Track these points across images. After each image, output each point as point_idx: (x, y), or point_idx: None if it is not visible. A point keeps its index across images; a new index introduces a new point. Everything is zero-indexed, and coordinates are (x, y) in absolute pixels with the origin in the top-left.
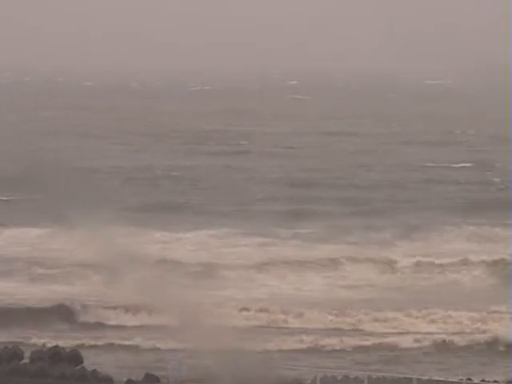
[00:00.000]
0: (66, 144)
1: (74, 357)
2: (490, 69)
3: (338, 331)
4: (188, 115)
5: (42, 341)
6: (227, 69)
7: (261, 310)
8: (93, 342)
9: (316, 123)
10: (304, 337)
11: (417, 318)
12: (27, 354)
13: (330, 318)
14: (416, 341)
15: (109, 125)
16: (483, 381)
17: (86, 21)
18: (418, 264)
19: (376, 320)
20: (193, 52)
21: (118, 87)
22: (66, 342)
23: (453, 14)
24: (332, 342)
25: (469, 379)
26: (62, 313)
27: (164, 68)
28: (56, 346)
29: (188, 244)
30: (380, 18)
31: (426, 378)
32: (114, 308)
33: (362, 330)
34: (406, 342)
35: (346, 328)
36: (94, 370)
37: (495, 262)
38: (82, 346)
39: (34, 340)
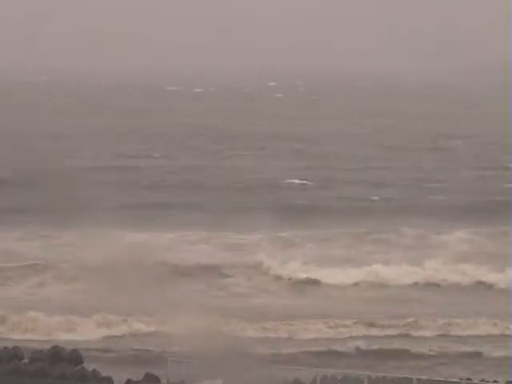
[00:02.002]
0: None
1: (74, 357)
2: (490, 68)
3: None
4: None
5: None
6: (227, 69)
7: None
8: None
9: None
10: None
11: None
12: (27, 354)
13: None
14: None
15: (109, 124)
16: (483, 381)
17: (86, 21)
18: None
19: None
20: (193, 52)
21: (121, 87)
22: None
23: (453, 14)
24: None
25: (468, 379)
26: None
27: (165, 68)
28: (56, 346)
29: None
30: (380, 18)
31: (426, 377)
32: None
33: None
34: None
35: None
36: (94, 370)
37: None
38: None
39: None
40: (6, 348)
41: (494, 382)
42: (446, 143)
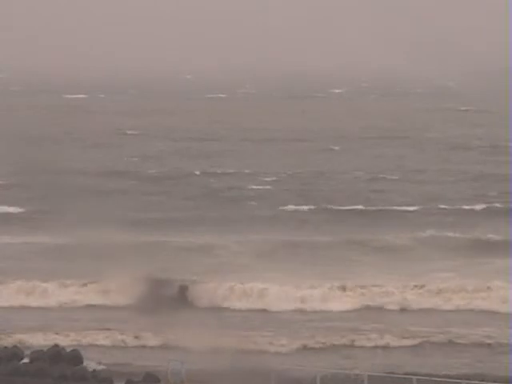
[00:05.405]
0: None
1: (74, 357)
2: (490, 69)
3: None
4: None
5: None
6: (228, 69)
7: None
8: None
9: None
10: None
11: None
12: (27, 353)
13: None
14: None
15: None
16: (483, 381)
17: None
18: None
19: None
20: (193, 53)
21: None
22: None
23: (453, 14)
24: None
25: (468, 379)
26: None
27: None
28: (56, 346)
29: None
30: (380, 19)
31: (426, 378)
32: None
33: None
34: None
35: None
36: (94, 370)
37: None
38: None
39: None
40: (6, 348)
41: (494, 382)
42: None
